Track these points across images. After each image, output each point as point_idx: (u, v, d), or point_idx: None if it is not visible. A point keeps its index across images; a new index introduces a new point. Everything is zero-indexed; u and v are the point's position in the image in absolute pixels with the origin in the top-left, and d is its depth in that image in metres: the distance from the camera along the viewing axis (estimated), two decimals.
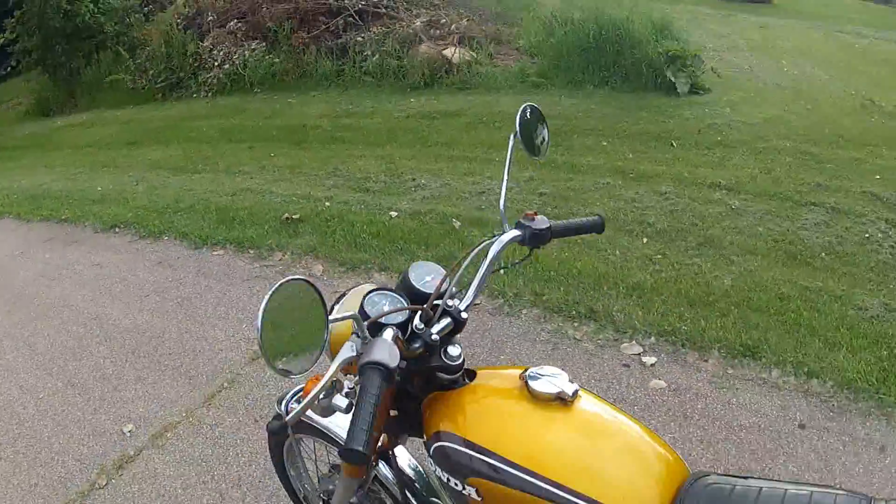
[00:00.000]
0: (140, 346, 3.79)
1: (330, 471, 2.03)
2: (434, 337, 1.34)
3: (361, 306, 1.35)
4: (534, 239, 1.57)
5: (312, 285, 1.19)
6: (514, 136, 1.65)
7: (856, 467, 2.53)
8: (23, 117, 11.25)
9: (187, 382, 3.42)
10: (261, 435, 2.97)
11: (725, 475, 1.26)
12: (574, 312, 3.56)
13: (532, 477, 1.24)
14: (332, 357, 1.37)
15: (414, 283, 1.43)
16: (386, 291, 1.39)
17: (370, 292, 1.38)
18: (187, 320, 3.97)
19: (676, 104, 6.90)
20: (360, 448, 1.07)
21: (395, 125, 7.24)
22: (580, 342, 3.39)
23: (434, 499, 1.77)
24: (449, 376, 1.39)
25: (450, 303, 1.39)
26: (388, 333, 1.27)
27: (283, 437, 2.03)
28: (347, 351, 1.27)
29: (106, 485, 2.85)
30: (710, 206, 4.69)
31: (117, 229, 5.47)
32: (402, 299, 1.39)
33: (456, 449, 1.33)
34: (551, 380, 1.32)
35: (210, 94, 9.33)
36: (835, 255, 3.97)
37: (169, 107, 9.61)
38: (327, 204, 5.29)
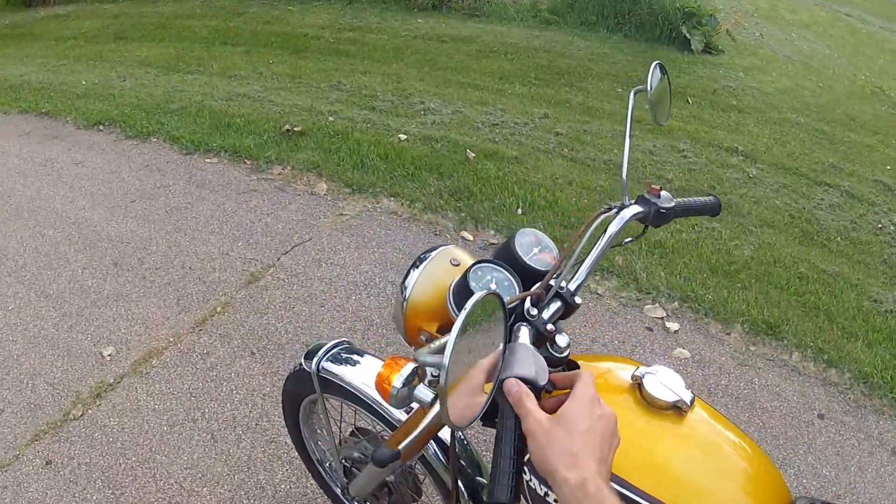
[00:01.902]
0: (123, 257, 3.33)
1: (353, 433, 1.74)
2: (550, 327, 1.06)
3: (465, 279, 1.08)
4: (658, 218, 1.30)
5: (499, 298, 0.85)
6: (637, 93, 1.36)
7: (869, 467, 2.40)
8: (3, 6, 10.37)
9: (175, 303, 2.98)
10: (258, 370, 2.59)
11: (826, 502, 1.13)
12: (597, 265, 3.18)
13: (644, 499, 1.03)
14: (407, 331, 1.21)
15: (522, 255, 1.16)
16: (491, 265, 1.12)
17: (475, 265, 1.11)
18: (176, 232, 3.51)
19: (691, 61, 6.82)
20: (507, 502, 0.78)
21: (401, 44, 6.70)
22: (602, 298, 3.10)
23: (480, 478, 1.53)
24: (552, 369, 1.05)
25: (563, 284, 1.13)
26: (525, 335, 1.01)
27: (304, 394, 1.69)
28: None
29: (81, 416, 2.43)
30: (728, 170, 4.50)
31: (101, 127, 4.89)
32: (510, 276, 1.12)
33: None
34: (667, 384, 1.10)
35: None
36: (850, 241, 3.84)
37: (162, 3, 8.90)
38: (331, 119, 4.78)
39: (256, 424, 2.37)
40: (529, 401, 0.83)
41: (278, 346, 2.71)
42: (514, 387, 0.85)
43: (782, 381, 2.71)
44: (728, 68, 6.74)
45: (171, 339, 2.76)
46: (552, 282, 1.11)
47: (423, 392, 0.97)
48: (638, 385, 1.10)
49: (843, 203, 4.21)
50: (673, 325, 2.93)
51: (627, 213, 1.26)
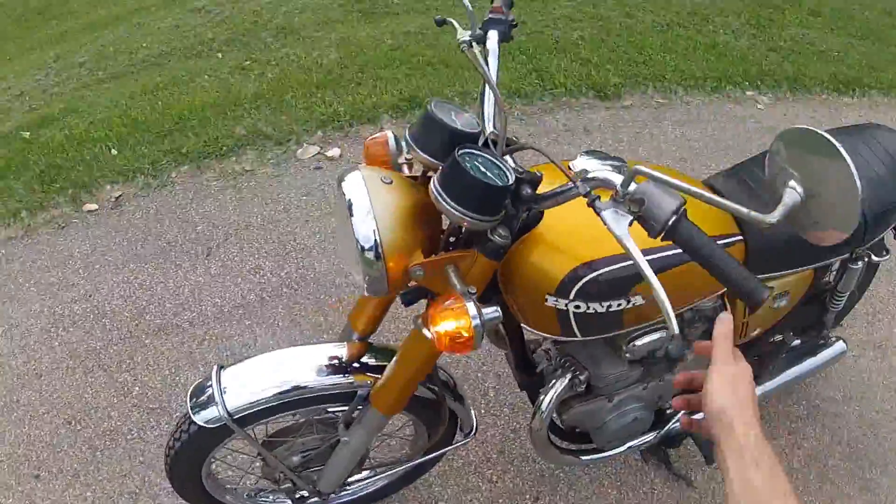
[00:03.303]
0: None
1: (270, 443, 1.48)
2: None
3: (456, 164, 0.96)
4: (510, 29, 1.37)
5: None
6: None
7: None
8: None
9: None
10: None
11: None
12: None
13: (667, 249, 1.15)
14: (391, 282, 1.06)
15: (451, 123, 1.08)
16: (469, 149, 1.01)
17: (464, 150, 0.99)
18: None
19: None
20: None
21: None
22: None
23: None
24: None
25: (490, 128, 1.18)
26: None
27: (209, 451, 1.41)
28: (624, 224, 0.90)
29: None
30: None
31: None
32: (490, 155, 1.02)
33: (607, 271, 1.19)
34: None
35: None
36: None
37: None
38: None
39: None
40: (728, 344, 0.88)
41: None
42: (725, 324, 0.88)
43: None
44: None
45: None
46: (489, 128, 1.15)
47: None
48: None
49: None
50: None
51: (492, 39, 1.31)
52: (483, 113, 1.23)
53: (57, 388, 2.07)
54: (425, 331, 1.07)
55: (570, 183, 1.00)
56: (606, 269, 1.19)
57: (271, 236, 2.57)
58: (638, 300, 1.24)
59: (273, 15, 4.33)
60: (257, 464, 1.61)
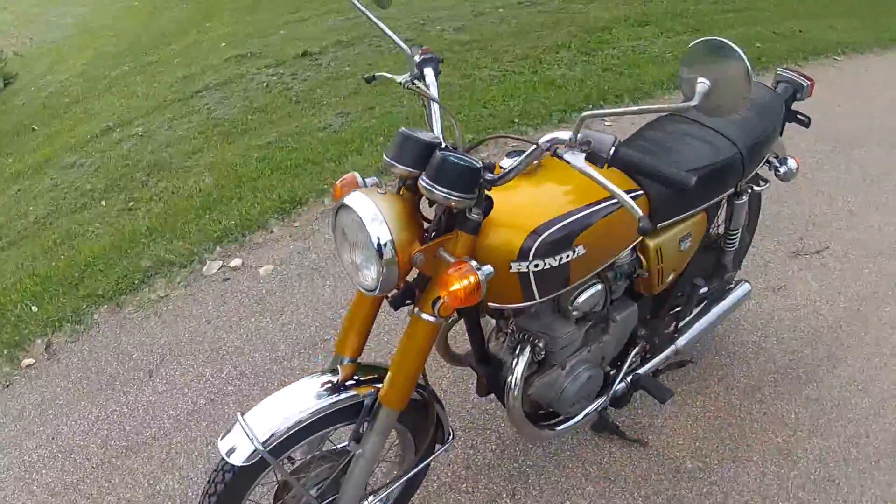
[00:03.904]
0: None
1: (314, 464, 1.70)
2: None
3: (441, 160, 1.32)
4: (438, 66, 1.72)
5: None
6: None
7: None
8: None
9: None
10: None
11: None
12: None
13: (595, 205, 1.61)
14: (401, 276, 1.40)
15: (424, 137, 1.39)
16: (447, 153, 1.35)
17: (441, 151, 1.34)
18: None
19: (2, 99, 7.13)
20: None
21: None
22: None
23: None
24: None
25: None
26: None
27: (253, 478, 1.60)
28: (580, 158, 1.30)
29: None
30: None
31: None
32: (457, 152, 1.37)
33: (554, 229, 1.53)
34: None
35: None
36: None
37: None
38: None
39: None
40: None
41: None
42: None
43: None
44: (34, 80, 7.39)
45: None
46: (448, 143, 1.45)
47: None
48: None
49: None
50: None
51: (429, 75, 1.68)
52: (434, 131, 1.57)
53: None
54: (424, 315, 1.43)
55: (532, 146, 1.35)
56: (552, 228, 1.53)
57: (203, 347, 2.85)
58: (580, 250, 1.58)
59: (141, 156, 4.62)
60: None
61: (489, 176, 1.37)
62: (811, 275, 3.22)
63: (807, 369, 2.71)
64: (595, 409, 2.12)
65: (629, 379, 2.20)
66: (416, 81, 1.67)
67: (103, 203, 4.13)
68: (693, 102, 1.17)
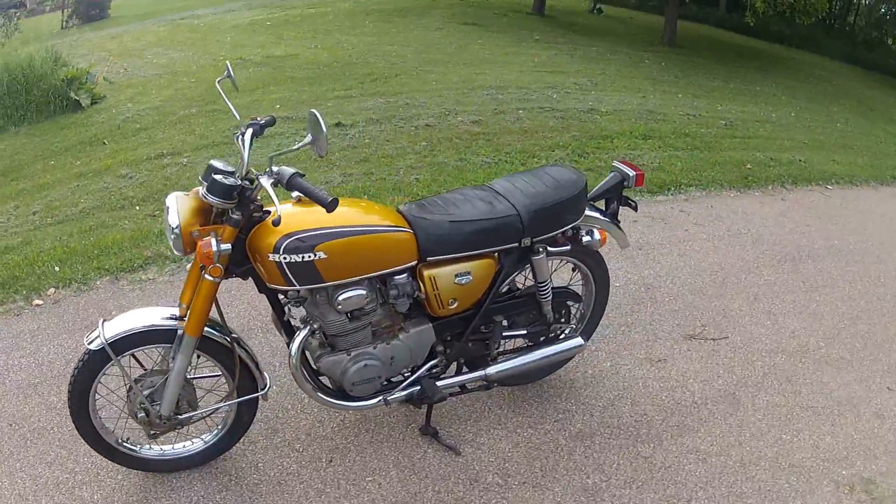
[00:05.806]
0: None
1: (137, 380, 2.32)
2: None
3: (207, 174, 2.09)
4: (261, 130, 2.28)
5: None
6: (220, 81, 2.34)
7: None
8: None
9: None
10: None
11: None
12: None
13: (348, 227, 2.18)
14: (185, 245, 2.11)
15: (222, 167, 2.10)
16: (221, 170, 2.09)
17: (214, 168, 2.08)
18: None
19: (87, 114, 8.28)
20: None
21: None
22: None
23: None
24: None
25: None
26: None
27: (94, 377, 2.31)
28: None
29: None
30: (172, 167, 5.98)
31: None
32: (228, 172, 2.10)
33: (298, 237, 2.10)
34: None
35: None
36: None
37: None
38: None
39: None
40: None
41: None
42: None
43: None
44: (117, 105, 8.45)
45: None
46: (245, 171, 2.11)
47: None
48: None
49: None
50: None
51: (247, 133, 2.18)
52: (245, 165, 2.10)
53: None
54: (205, 275, 2.12)
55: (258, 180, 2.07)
56: (300, 234, 2.11)
57: None
58: (321, 255, 2.12)
59: (178, 180, 5.66)
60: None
61: (250, 192, 2.08)
62: (697, 356, 3.36)
63: (650, 431, 2.80)
64: (383, 398, 2.49)
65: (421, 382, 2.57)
66: (243, 134, 2.19)
67: (137, 208, 5.15)
68: (321, 153, 2.01)
